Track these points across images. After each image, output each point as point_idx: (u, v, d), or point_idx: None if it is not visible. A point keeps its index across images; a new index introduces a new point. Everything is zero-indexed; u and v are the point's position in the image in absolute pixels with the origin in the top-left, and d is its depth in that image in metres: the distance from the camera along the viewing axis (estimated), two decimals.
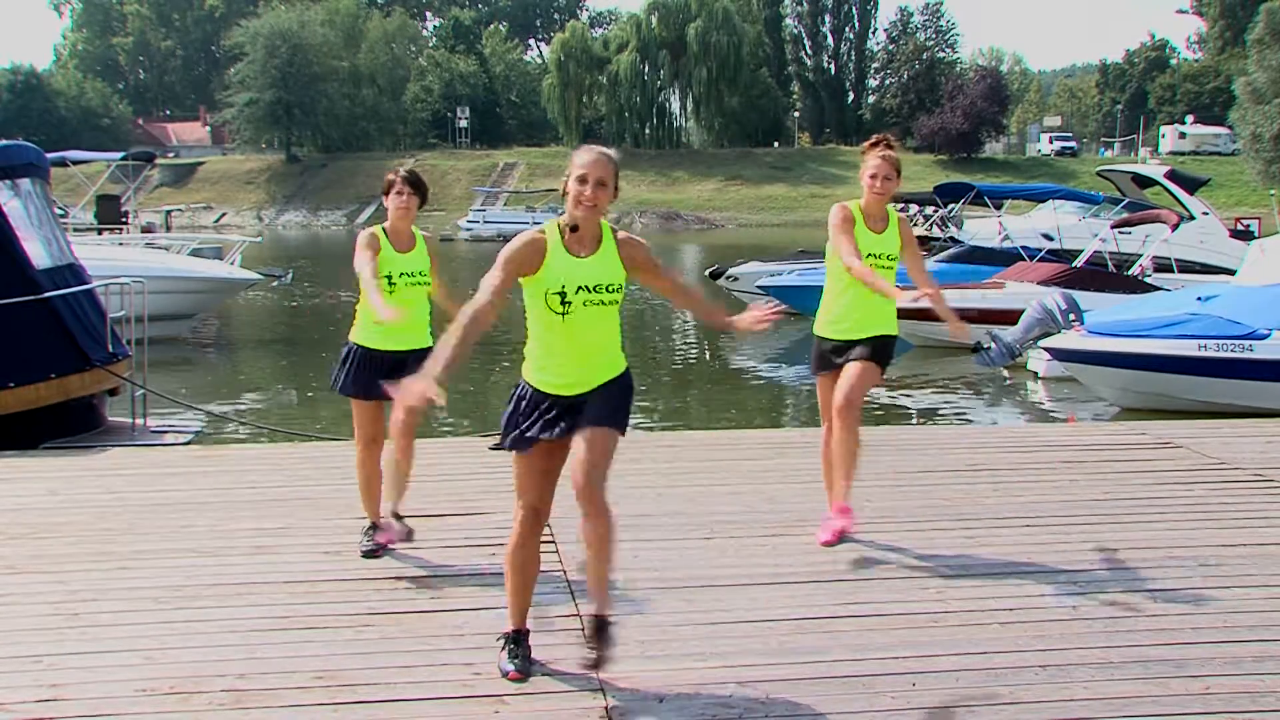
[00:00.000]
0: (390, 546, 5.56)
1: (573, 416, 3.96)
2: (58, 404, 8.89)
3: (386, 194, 5.53)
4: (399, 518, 5.59)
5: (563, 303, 3.88)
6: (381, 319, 5.18)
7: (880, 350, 5.55)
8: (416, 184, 5.51)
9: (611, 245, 3.99)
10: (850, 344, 5.55)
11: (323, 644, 4.42)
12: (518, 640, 4.13)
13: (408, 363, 5.44)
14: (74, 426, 9.09)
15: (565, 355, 3.95)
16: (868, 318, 5.52)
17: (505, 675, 4.07)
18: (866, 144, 5.62)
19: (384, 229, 5.54)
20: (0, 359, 8.62)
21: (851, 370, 5.50)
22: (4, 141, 10.13)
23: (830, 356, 5.62)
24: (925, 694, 3.98)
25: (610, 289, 3.93)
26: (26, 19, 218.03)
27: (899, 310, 5.67)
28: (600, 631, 3.96)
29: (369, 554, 5.47)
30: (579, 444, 3.93)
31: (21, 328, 8.76)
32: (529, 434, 3.95)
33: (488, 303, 3.82)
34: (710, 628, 4.54)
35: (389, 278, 5.43)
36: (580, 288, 3.89)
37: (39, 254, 9.23)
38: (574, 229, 3.93)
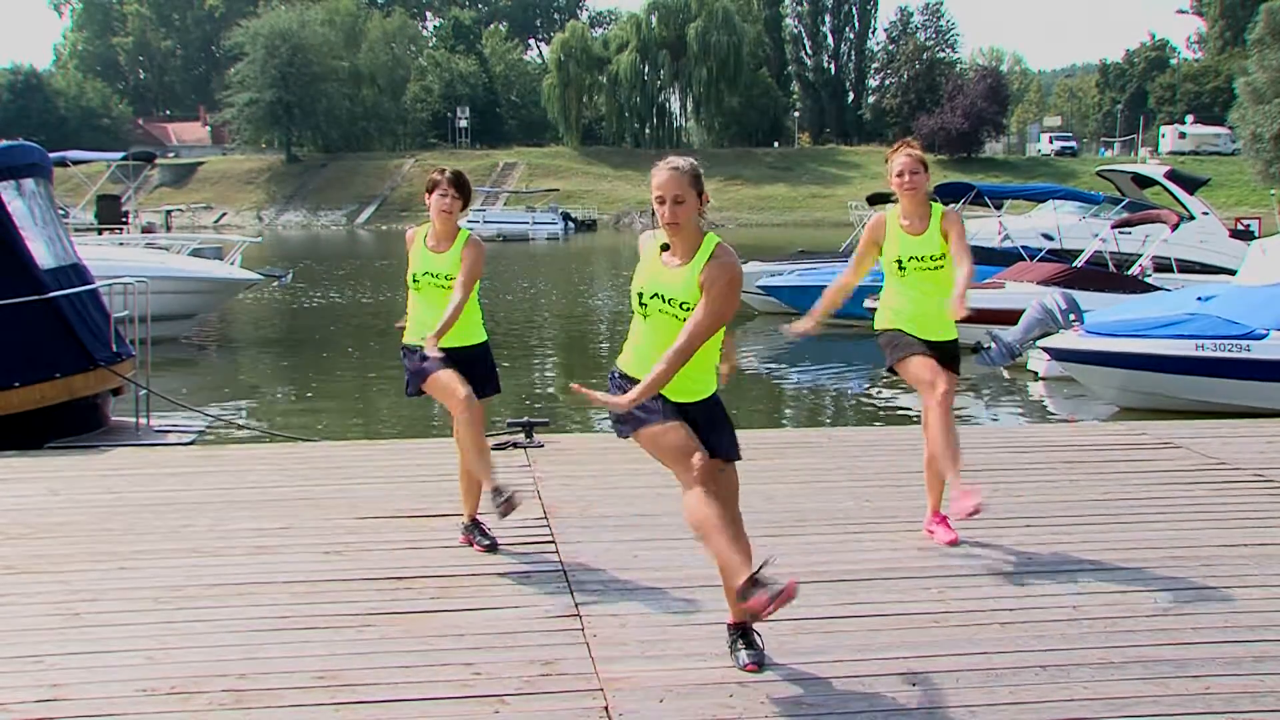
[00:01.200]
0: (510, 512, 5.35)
1: (667, 404, 3.98)
2: (62, 403, 8.91)
3: (430, 193, 5.48)
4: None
5: (640, 304, 4.01)
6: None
7: (956, 357, 5.60)
8: (460, 185, 5.45)
9: (700, 263, 3.94)
10: (920, 340, 5.52)
11: (323, 644, 4.42)
12: (754, 584, 3.74)
13: (463, 358, 5.38)
14: (78, 426, 9.11)
15: (644, 354, 4.01)
16: (929, 320, 5.52)
17: (743, 668, 4.10)
18: (891, 150, 5.62)
19: (429, 228, 5.54)
20: (5, 358, 8.64)
21: (948, 376, 5.51)
22: (8, 142, 10.14)
23: (907, 340, 5.52)
24: (925, 694, 3.98)
25: (682, 305, 3.92)
26: (26, 19, 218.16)
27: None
28: (754, 584, 3.73)
29: (489, 548, 5.50)
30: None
31: (27, 327, 8.78)
32: (637, 412, 3.97)
33: None
34: (710, 628, 4.54)
35: (414, 275, 5.46)
36: (655, 295, 3.97)
37: (43, 254, 9.25)
38: (664, 248, 4.01)
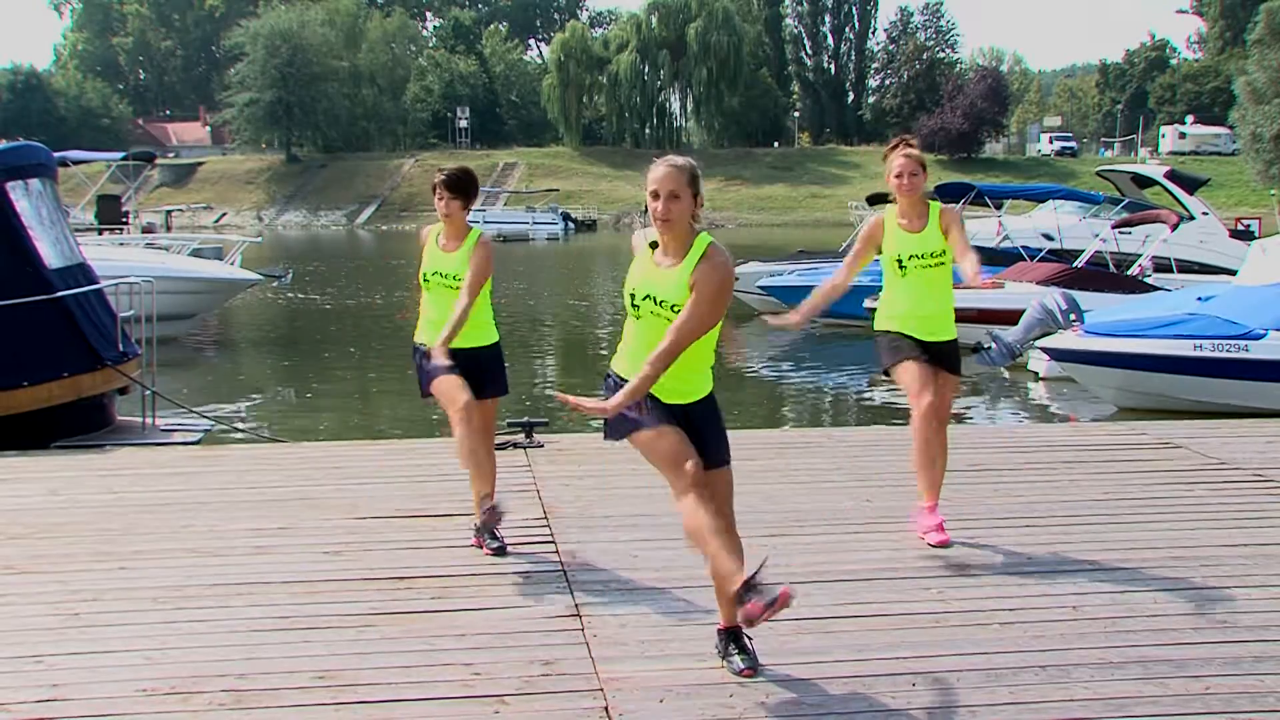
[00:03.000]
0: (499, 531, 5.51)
1: (659, 407, 3.94)
2: (69, 403, 8.93)
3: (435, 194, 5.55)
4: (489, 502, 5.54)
5: (633, 304, 3.96)
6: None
7: (956, 358, 5.61)
8: (454, 186, 5.45)
9: (691, 263, 3.89)
10: (918, 341, 5.52)
11: (323, 644, 4.42)
12: (749, 589, 3.73)
13: (474, 358, 5.39)
14: (85, 425, 9.13)
15: (637, 356, 3.94)
16: (928, 321, 5.53)
17: (739, 674, 4.06)
18: (888, 147, 5.63)
19: (442, 226, 5.56)
20: (15, 358, 8.67)
21: (947, 386, 5.57)
22: (16, 142, 10.17)
23: (905, 345, 5.54)
24: (925, 694, 3.98)
25: (673, 307, 3.87)
26: (26, 19, 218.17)
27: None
28: (749, 589, 3.72)
29: (498, 551, 5.43)
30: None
31: (35, 327, 8.81)
32: (629, 415, 3.93)
33: None
34: (710, 628, 4.52)
35: (424, 275, 5.50)
36: (647, 296, 3.91)
37: (50, 254, 9.27)
38: (654, 245, 3.96)
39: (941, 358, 5.56)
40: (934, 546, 5.54)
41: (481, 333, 5.49)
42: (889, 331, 5.58)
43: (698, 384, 4.03)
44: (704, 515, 3.86)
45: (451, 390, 5.31)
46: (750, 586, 3.71)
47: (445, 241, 5.50)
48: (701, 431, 4.01)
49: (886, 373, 5.72)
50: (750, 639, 4.17)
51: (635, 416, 3.94)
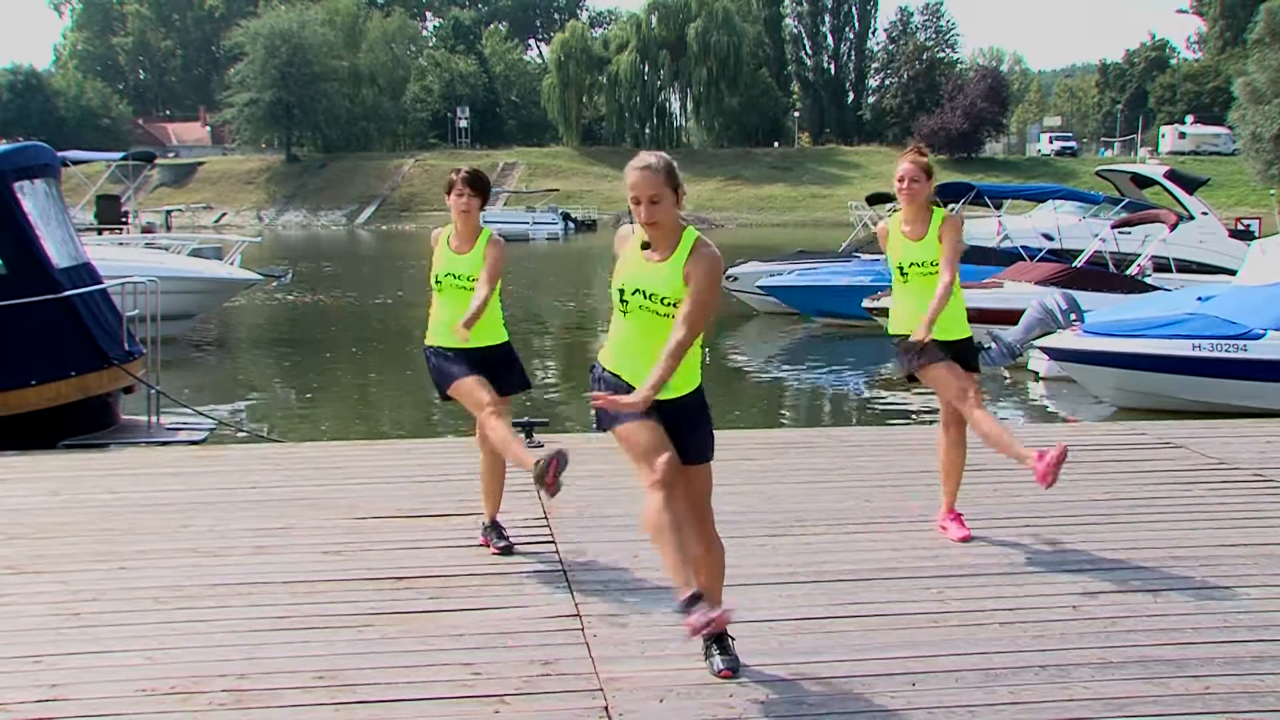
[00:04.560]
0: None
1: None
2: (76, 402, 8.94)
3: (449, 193, 5.47)
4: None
5: (621, 300, 4.01)
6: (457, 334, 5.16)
7: (969, 354, 5.64)
8: (476, 184, 5.43)
9: (683, 258, 3.94)
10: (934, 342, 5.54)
11: (323, 644, 4.42)
12: (692, 602, 3.84)
13: (486, 357, 5.39)
14: (91, 424, 9.16)
15: (626, 351, 4.02)
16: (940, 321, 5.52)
17: (718, 674, 4.04)
18: (901, 153, 5.73)
19: (451, 228, 5.53)
20: (23, 357, 8.70)
21: (972, 377, 5.63)
22: (19, 142, 10.20)
23: (930, 348, 5.56)
24: (925, 694, 3.98)
25: (664, 301, 3.92)
26: (26, 19, 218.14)
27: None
28: (693, 600, 3.86)
29: (505, 550, 5.49)
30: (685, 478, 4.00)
31: (43, 326, 8.84)
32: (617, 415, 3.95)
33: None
34: None
35: (436, 277, 5.44)
36: (636, 290, 3.96)
37: (56, 253, 9.29)
38: (645, 246, 3.99)
39: (955, 357, 5.58)
40: (957, 541, 5.63)
41: (492, 332, 5.47)
42: (905, 334, 5.59)
43: (684, 378, 4.03)
44: (666, 515, 3.89)
45: (474, 391, 5.32)
46: (695, 599, 3.82)
47: (458, 243, 5.45)
48: (684, 426, 4.02)
49: (911, 377, 5.74)
50: (732, 639, 4.14)
51: (623, 411, 3.93)
